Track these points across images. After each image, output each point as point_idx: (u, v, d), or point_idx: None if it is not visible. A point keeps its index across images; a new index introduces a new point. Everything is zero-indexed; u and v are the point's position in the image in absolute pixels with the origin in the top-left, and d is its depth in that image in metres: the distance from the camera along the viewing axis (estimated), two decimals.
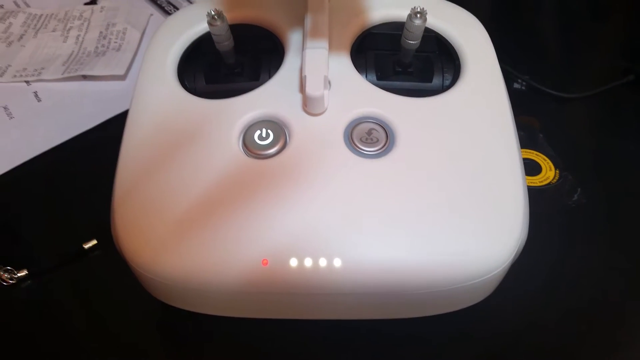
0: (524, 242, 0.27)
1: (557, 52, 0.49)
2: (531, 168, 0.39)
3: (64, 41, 0.48)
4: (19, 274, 0.33)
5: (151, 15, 0.51)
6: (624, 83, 0.45)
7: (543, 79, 0.44)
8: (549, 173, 0.39)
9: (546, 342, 0.31)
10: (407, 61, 0.31)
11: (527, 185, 0.28)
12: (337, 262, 0.24)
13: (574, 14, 0.53)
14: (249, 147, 0.28)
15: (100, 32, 0.48)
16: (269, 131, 0.28)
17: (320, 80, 0.27)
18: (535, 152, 0.40)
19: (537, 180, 0.38)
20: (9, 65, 0.45)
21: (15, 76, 0.44)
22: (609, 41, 0.51)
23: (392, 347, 0.31)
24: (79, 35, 0.48)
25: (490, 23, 0.34)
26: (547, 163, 0.39)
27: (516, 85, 0.45)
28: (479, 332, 0.32)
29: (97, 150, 0.40)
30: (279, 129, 0.28)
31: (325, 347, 0.31)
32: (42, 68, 0.45)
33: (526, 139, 0.40)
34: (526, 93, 0.44)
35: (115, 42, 0.47)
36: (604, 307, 0.33)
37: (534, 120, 0.42)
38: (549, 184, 0.38)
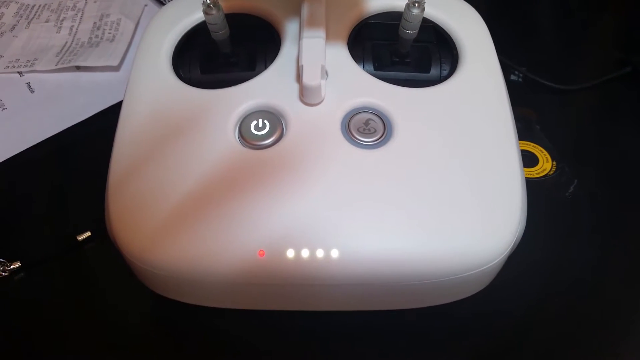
0: (521, 234, 0.27)
1: (555, 44, 0.49)
2: (528, 160, 0.39)
3: (57, 32, 0.47)
4: (12, 266, 0.33)
5: (145, 5, 0.50)
6: (620, 75, 0.45)
7: (540, 71, 0.44)
8: (545, 165, 0.39)
9: (543, 334, 0.31)
10: (404, 51, 0.31)
11: (524, 177, 0.28)
12: (334, 253, 0.24)
13: (571, 5, 0.53)
14: (245, 137, 0.27)
15: (94, 23, 0.48)
16: (266, 121, 0.28)
17: (317, 69, 0.27)
18: (532, 144, 0.40)
19: (534, 172, 0.38)
20: (1, 56, 0.45)
21: (7, 67, 0.44)
22: (606, 33, 0.50)
23: (390, 340, 0.31)
24: (72, 25, 0.48)
25: (487, 14, 0.34)
26: (544, 155, 0.39)
27: (513, 77, 0.45)
28: (477, 324, 0.31)
29: (90, 142, 0.39)
30: (276, 119, 0.28)
31: (320, 339, 0.31)
32: (35, 59, 0.44)
33: (523, 131, 0.40)
34: (523, 85, 0.44)
35: (109, 33, 0.47)
36: (601, 298, 0.33)
37: (531, 112, 0.42)
38: (545, 175, 0.38)
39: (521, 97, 0.41)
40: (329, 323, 0.30)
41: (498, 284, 0.28)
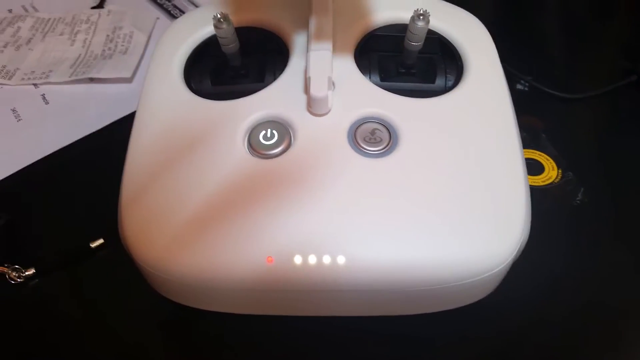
0: (525, 241, 0.27)
1: (560, 52, 0.49)
2: (534, 168, 0.39)
3: (72, 44, 0.48)
4: (26, 273, 0.34)
5: (157, 19, 0.51)
6: (626, 83, 0.45)
7: (546, 80, 0.44)
8: (551, 173, 0.39)
9: (549, 342, 0.31)
10: (410, 62, 0.32)
11: (530, 185, 0.28)
12: (341, 260, 0.25)
13: (577, 14, 0.53)
14: (254, 147, 0.28)
15: (107, 36, 0.49)
16: (274, 131, 0.28)
17: (324, 81, 0.28)
18: (538, 152, 0.40)
19: (540, 180, 0.38)
20: (18, 69, 0.46)
21: (23, 79, 0.45)
22: (612, 41, 0.51)
23: (394, 347, 0.31)
24: (86, 38, 0.49)
25: (492, 24, 0.35)
26: (550, 163, 0.39)
27: (519, 86, 0.45)
28: (481, 331, 0.32)
29: (104, 152, 0.40)
30: (284, 129, 0.29)
31: (325, 346, 0.31)
32: (50, 71, 0.45)
33: (529, 140, 0.41)
34: (529, 94, 0.45)
35: (122, 46, 0.48)
36: (607, 306, 0.33)
37: (537, 120, 0.42)
38: (551, 183, 0.38)
39: (527, 105, 0.42)
40: (332, 327, 0.31)
41: (503, 292, 0.29)
